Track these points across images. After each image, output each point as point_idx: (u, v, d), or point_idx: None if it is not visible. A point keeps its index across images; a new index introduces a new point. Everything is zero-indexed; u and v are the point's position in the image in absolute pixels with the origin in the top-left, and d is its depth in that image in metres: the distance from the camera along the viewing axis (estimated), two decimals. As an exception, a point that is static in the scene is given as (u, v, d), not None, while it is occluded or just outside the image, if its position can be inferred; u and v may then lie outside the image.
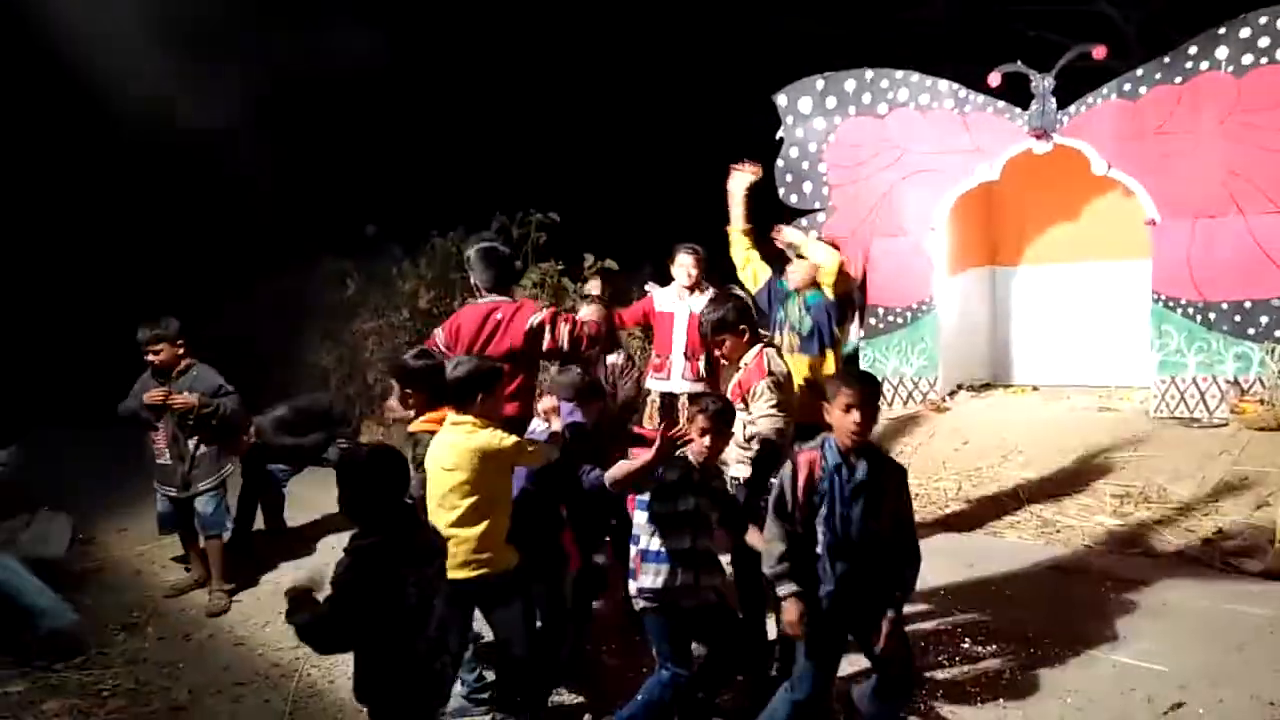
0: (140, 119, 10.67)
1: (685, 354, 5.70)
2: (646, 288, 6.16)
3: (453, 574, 3.29)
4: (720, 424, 3.57)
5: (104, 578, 5.83)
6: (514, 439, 3.59)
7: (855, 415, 3.18)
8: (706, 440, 3.54)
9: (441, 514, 3.48)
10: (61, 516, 5.89)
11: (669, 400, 5.72)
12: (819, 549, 3.27)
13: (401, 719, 2.94)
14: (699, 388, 5.62)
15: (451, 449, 3.50)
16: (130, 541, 6.42)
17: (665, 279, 5.97)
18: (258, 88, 11.24)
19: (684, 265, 5.82)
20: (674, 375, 5.70)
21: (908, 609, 4.74)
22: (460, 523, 3.46)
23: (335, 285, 10.70)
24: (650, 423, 5.53)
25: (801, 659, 3.33)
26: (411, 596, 2.84)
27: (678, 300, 5.83)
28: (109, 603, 5.38)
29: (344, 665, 4.45)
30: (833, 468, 3.24)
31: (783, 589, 3.24)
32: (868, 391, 3.24)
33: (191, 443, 5.33)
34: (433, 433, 3.70)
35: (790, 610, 3.23)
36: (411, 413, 4.16)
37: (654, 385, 5.75)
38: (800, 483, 3.26)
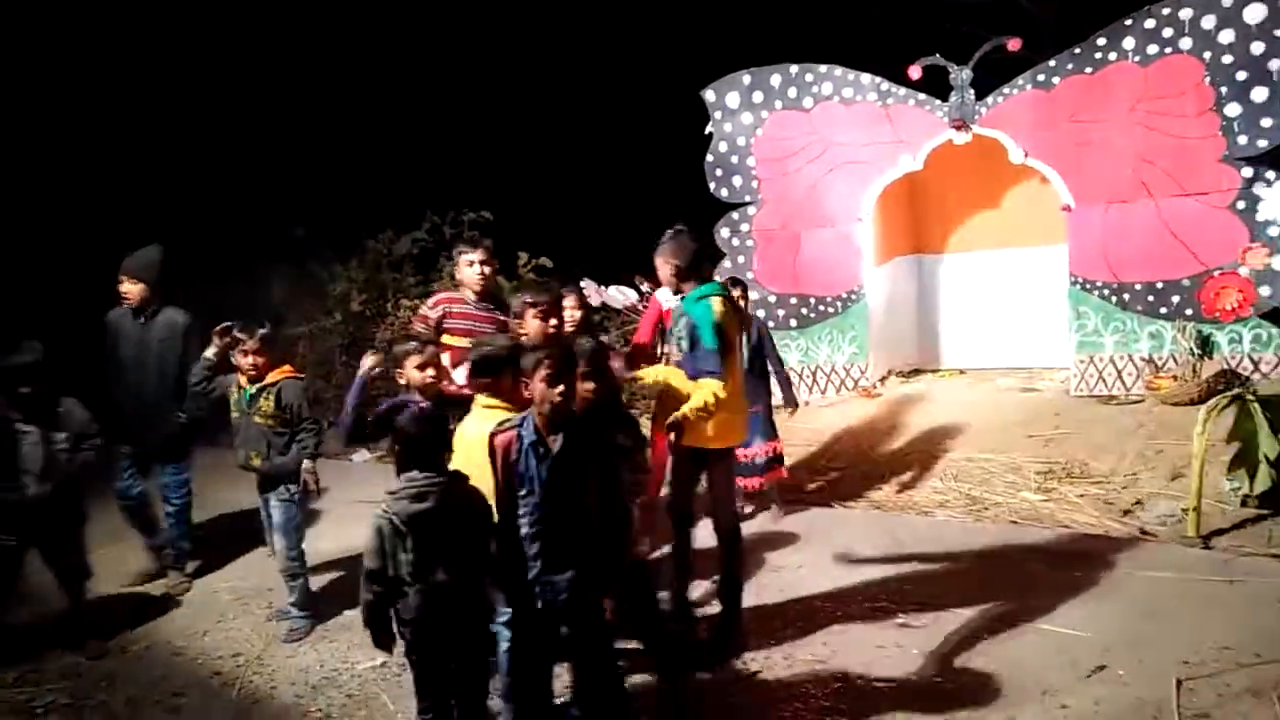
0: (60, 117, 10.41)
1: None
2: (581, 285, 6.25)
3: None
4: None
5: (32, 591, 5.67)
6: None
7: (559, 387, 3.12)
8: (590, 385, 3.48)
9: None
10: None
11: None
12: (524, 531, 3.18)
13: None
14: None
15: None
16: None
17: (597, 274, 6.07)
18: (180, 86, 11.03)
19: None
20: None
21: (830, 586, 4.91)
22: None
23: (263, 290, 10.52)
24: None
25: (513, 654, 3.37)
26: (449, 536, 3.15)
27: (673, 295, 5.96)
28: (42, 616, 5.24)
29: (286, 672, 4.44)
30: (529, 445, 3.15)
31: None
32: (567, 361, 3.19)
33: None
34: None
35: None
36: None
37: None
38: (498, 467, 3.20)
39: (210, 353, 4.97)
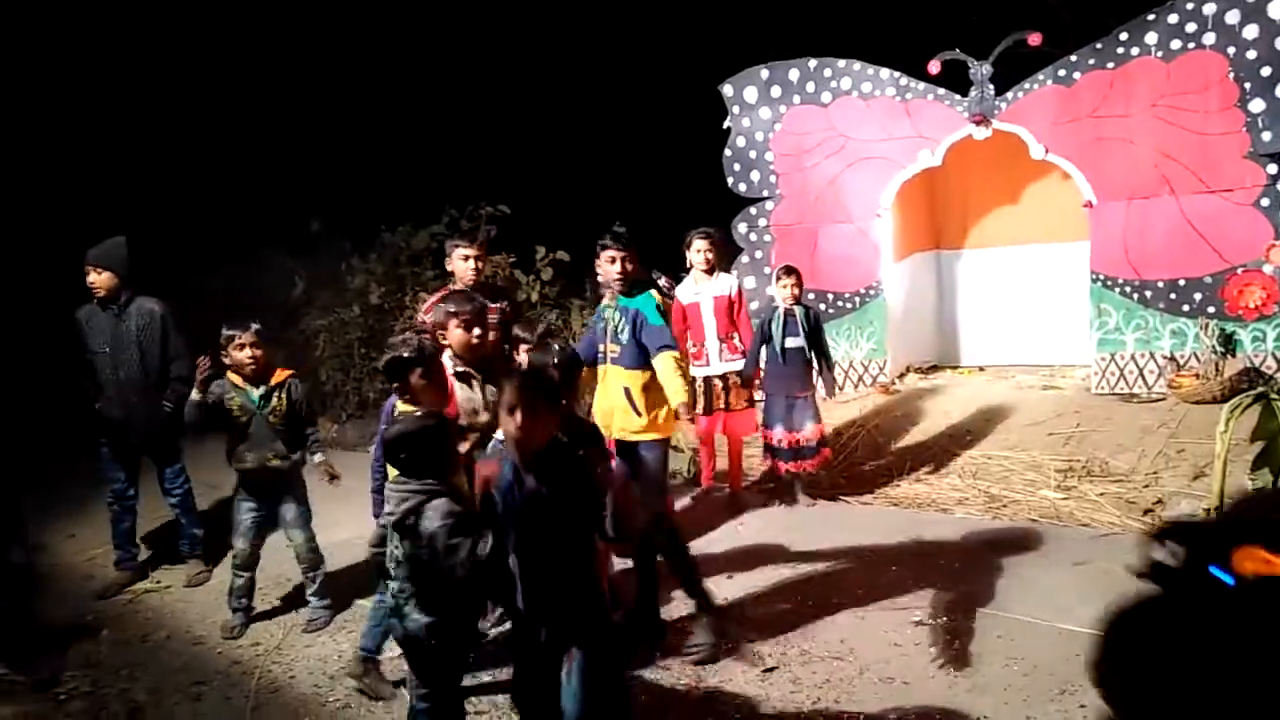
0: (78, 110, 10.48)
1: (719, 336, 6.04)
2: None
3: None
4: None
5: (55, 583, 5.74)
6: None
7: (516, 418, 2.85)
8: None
9: None
10: None
11: (710, 383, 6.14)
12: (511, 567, 3.00)
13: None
14: (737, 362, 6.07)
15: None
16: (79, 546, 6.34)
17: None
18: (202, 81, 11.09)
19: (700, 250, 6.04)
20: (712, 359, 6.00)
21: (856, 591, 4.89)
22: None
23: (283, 283, 10.57)
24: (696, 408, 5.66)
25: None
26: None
27: (696, 288, 6.04)
28: (62, 607, 5.30)
29: (304, 661, 4.47)
30: (508, 481, 2.94)
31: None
32: (529, 390, 2.91)
33: None
34: None
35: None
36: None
37: (696, 373, 6.07)
38: (476, 495, 3.03)
39: (195, 396, 4.75)
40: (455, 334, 4.12)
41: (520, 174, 11.82)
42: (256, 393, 4.80)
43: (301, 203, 11.11)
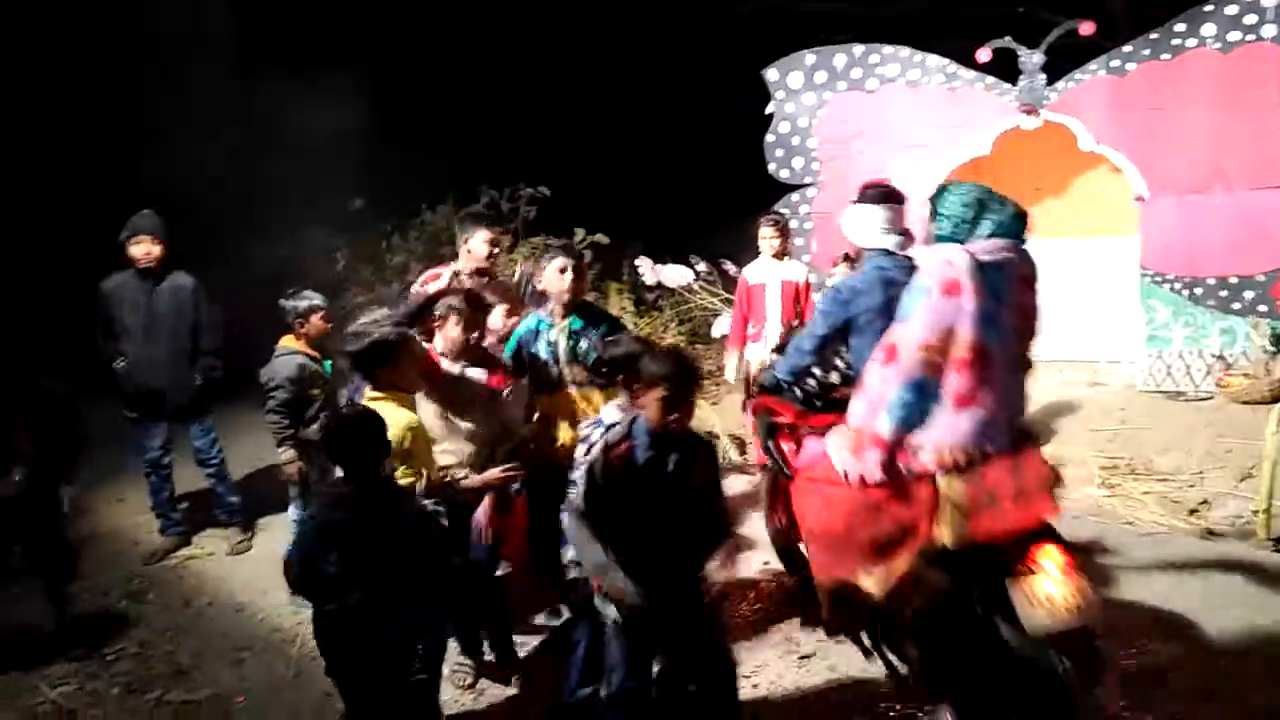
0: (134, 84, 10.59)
1: (781, 321, 5.95)
2: (637, 263, 6.32)
3: None
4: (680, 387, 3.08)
5: (103, 547, 5.85)
6: None
7: (659, 392, 2.95)
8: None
9: None
10: None
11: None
12: (631, 541, 3.00)
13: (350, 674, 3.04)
14: None
15: None
16: (128, 510, 6.43)
17: (653, 251, 6.13)
18: (246, 59, 11.17)
19: (765, 237, 6.02)
20: (771, 342, 5.93)
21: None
22: None
23: (324, 260, 10.65)
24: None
25: (615, 645, 3.11)
26: (367, 551, 2.93)
27: (767, 270, 6.03)
28: (109, 571, 5.40)
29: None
30: (644, 452, 3.00)
31: (614, 575, 2.94)
32: (676, 369, 3.00)
33: None
34: None
35: (616, 590, 2.96)
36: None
37: (751, 355, 5.99)
38: (612, 473, 3.01)
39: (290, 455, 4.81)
40: (452, 331, 3.91)
41: (561, 156, 11.81)
42: (327, 363, 4.90)
43: (344, 180, 11.18)
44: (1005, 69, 7.88)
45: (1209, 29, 7.10)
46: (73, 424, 4.53)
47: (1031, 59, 7.69)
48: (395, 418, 3.33)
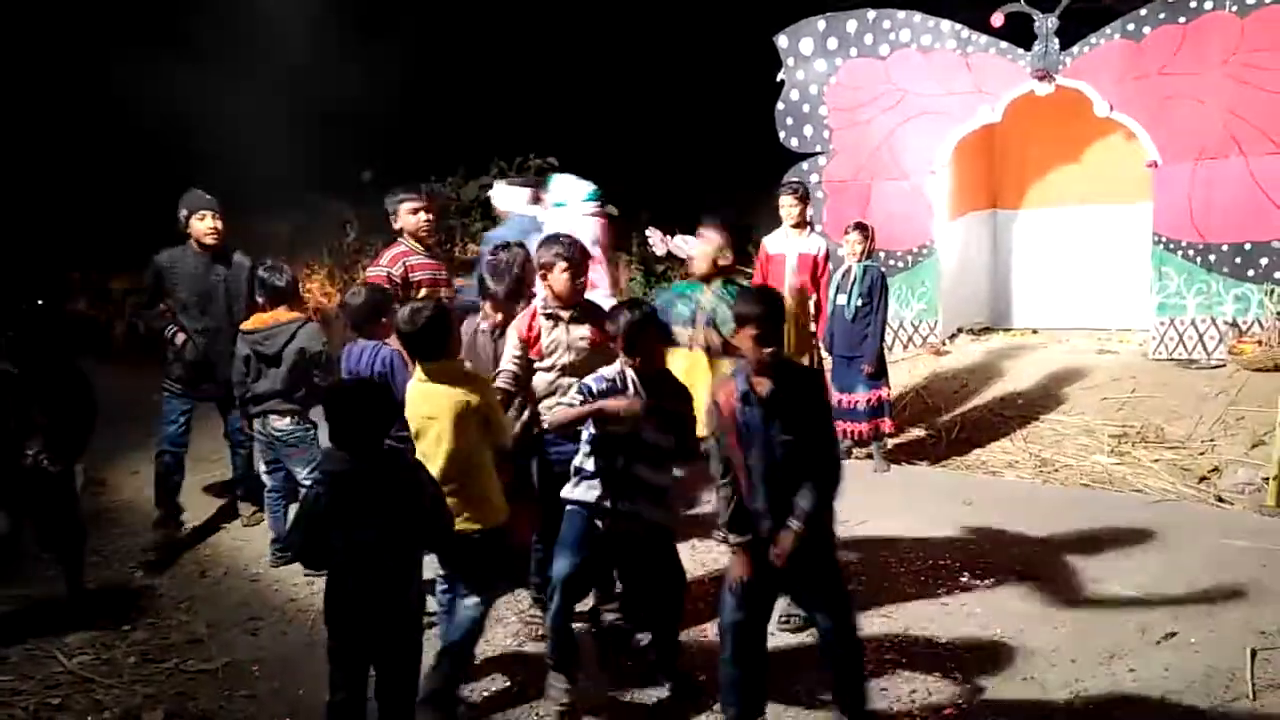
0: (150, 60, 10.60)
1: (791, 294, 5.81)
2: (647, 233, 6.24)
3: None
4: (636, 334, 3.44)
5: (118, 519, 5.92)
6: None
7: (751, 330, 3.12)
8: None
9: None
10: None
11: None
12: (752, 481, 3.16)
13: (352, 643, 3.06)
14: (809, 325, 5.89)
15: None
16: (143, 483, 6.47)
17: (663, 222, 6.10)
18: (260, 32, 11.14)
19: (785, 206, 6.00)
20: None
21: (902, 548, 4.89)
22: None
23: (336, 230, 10.69)
24: None
25: (732, 608, 3.24)
26: (373, 530, 2.95)
27: (786, 241, 6.00)
28: (124, 543, 5.47)
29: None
30: (742, 394, 3.16)
31: (735, 539, 3.17)
32: (763, 307, 3.17)
33: None
34: None
35: (739, 564, 3.17)
36: None
37: None
38: (724, 418, 3.16)
39: None
40: (559, 279, 3.93)
41: (570, 126, 11.74)
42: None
43: (356, 151, 11.18)
44: (1020, 34, 7.78)
45: (1226, -9, 6.99)
46: (86, 398, 4.56)
47: (1046, 23, 7.59)
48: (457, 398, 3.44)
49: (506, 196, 5.97)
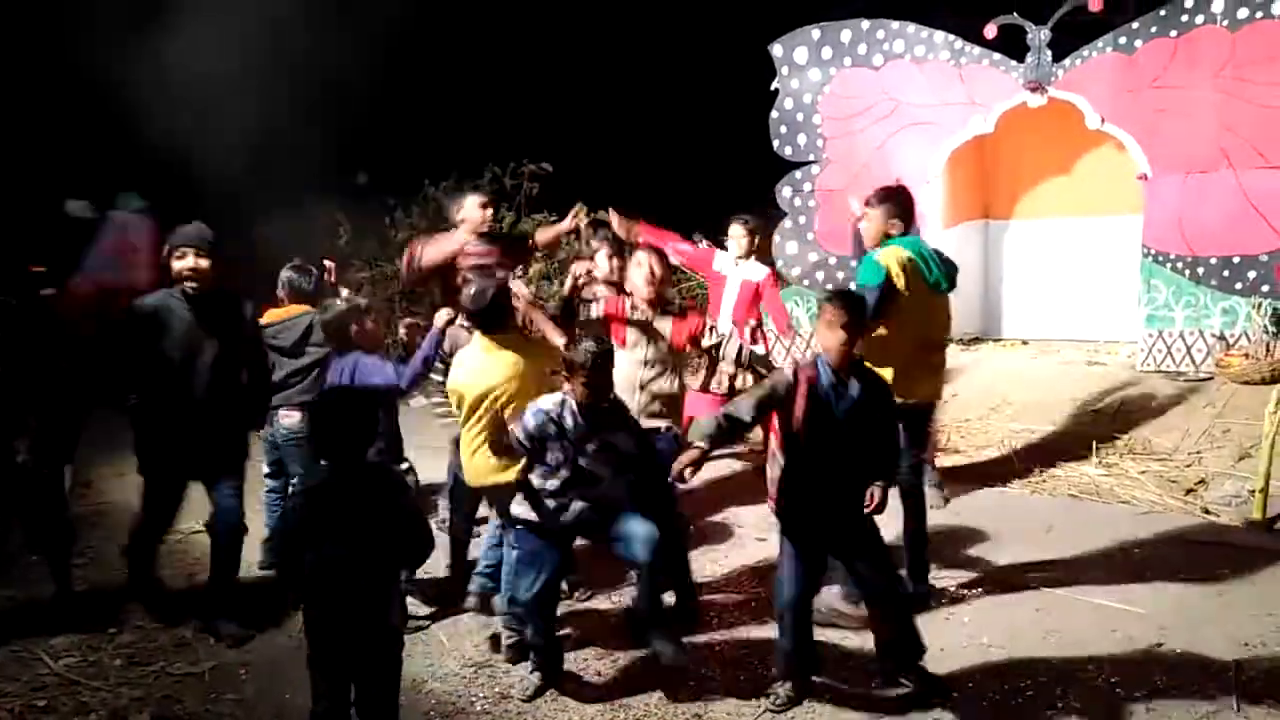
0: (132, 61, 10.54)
1: (732, 319, 5.85)
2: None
3: None
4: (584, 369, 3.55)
5: (105, 521, 5.89)
6: None
7: (840, 334, 3.36)
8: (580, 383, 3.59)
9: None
10: None
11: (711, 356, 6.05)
12: (806, 460, 3.45)
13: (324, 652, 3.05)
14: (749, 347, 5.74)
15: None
16: (129, 485, 6.44)
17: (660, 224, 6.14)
18: (249, 32, 11.10)
19: (735, 236, 6.00)
20: (719, 332, 5.86)
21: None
22: None
23: (328, 234, 10.65)
24: (694, 381, 5.52)
25: (788, 565, 3.54)
26: (344, 547, 2.93)
27: (733, 266, 6.00)
28: (111, 545, 5.44)
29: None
30: (828, 385, 3.41)
31: (699, 440, 3.44)
32: (850, 309, 3.41)
33: None
34: None
35: (686, 455, 3.41)
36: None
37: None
38: (800, 396, 3.40)
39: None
40: (602, 261, 4.86)
41: (564, 132, 11.76)
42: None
43: (348, 155, 11.16)
44: (1013, 46, 7.83)
45: (1218, 6, 7.04)
46: (76, 398, 4.54)
47: (1039, 35, 7.65)
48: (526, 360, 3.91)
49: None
